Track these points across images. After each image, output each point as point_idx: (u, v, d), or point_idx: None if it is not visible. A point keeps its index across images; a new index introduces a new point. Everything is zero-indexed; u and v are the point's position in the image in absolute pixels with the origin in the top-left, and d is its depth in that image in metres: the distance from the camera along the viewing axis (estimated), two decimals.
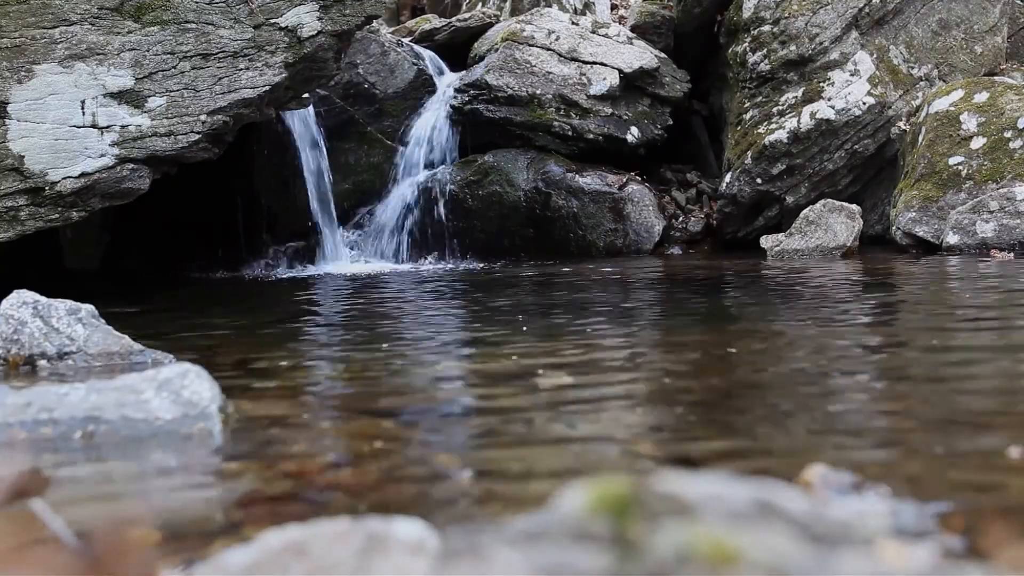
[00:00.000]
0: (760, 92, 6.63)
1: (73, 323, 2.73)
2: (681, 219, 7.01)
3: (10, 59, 4.42)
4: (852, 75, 6.46)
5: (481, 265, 6.28)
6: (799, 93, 6.50)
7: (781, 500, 0.88)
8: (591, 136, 6.85)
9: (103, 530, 1.37)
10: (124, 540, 1.31)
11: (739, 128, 6.70)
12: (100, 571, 1.18)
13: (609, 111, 6.91)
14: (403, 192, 6.82)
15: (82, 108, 4.48)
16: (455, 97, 6.93)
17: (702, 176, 7.27)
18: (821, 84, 6.48)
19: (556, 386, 2.32)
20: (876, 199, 6.61)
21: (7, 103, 4.40)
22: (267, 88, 4.75)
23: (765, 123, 6.55)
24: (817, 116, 6.38)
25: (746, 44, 6.68)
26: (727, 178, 6.69)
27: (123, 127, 4.52)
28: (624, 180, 6.83)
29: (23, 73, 4.42)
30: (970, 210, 5.58)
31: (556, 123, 6.82)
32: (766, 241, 6.10)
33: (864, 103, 6.37)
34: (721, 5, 7.03)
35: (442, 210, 6.74)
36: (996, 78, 6.44)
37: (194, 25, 4.67)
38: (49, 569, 1.19)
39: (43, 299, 2.77)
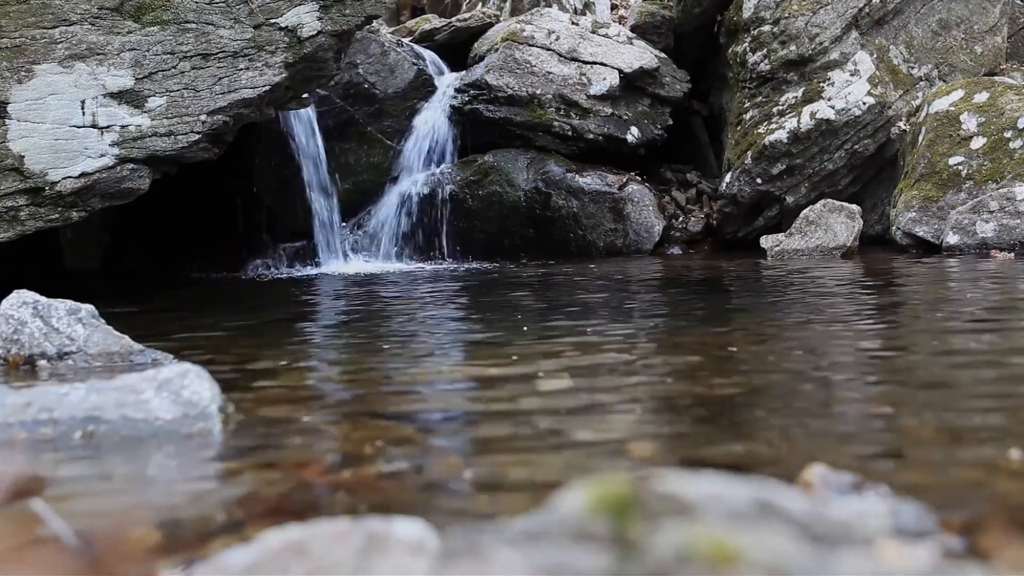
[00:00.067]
0: (760, 92, 6.63)
1: (73, 323, 2.73)
2: (681, 219, 7.02)
3: (10, 59, 4.42)
4: (852, 75, 6.46)
5: (481, 265, 6.28)
6: (799, 93, 6.50)
7: (781, 500, 0.88)
8: (591, 136, 6.85)
9: (103, 530, 1.37)
10: (124, 540, 1.31)
11: (739, 128, 6.70)
12: (100, 571, 1.18)
13: (609, 111, 6.91)
14: (403, 192, 6.82)
15: (82, 108, 4.48)
16: (455, 97, 6.94)
17: (702, 176, 7.27)
18: (821, 84, 6.48)
19: (556, 387, 2.32)
20: (876, 199, 6.61)
21: (7, 103, 4.40)
22: (267, 88, 4.75)
23: (765, 123, 6.55)
24: (817, 116, 6.38)
25: (746, 44, 6.68)
26: (727, 178, 6.69)
27: (123, 127, 4.52)
28: (624, 180, 6.83)
29: (23, 73, 4.42)
30: (970, 210, 5.58)
31: (556, 123, 6.82)
32: (766, 241, 6.10)
33: (864, 103, 6.37)
34: (721, 5, 7.03)
35: (442, 210, 6.74)
36: (996, 78, 6.44)
37: (194, 25, 4.67)
38: (49, 569, 1.19)
39: (43, 299, 2.77)
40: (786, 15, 6.53)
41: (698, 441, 1.80)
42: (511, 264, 6.27)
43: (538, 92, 6.84)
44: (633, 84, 7.00)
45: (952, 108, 5.99)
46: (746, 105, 6.69)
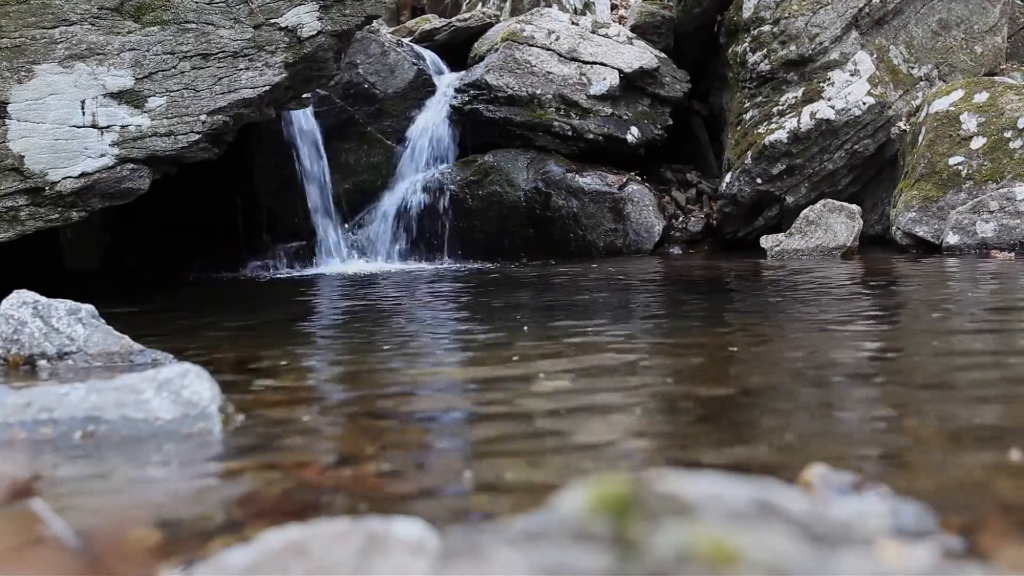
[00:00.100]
0: (760, 92, 6.63)
1: (73, 323, 2.73)
2: (681, 219, 7.02)
3: (10, 59, 4.42)
4: (852, 75, 6.46)
5: (481, 265, 6.28)
6: (799, 93, 6.50)
7: (781, 500, 0.88)
8: (591, 136, 6.85)
9: (103, 530, 1.37)
10: (124, 540, 1.31)
11: (739, 128, 6.70)
12: (100, 571, 1.18)
13: (609, 111, 6.91)
14: (403, 192, 6.82)
15: (82, 108, 4.48)
16: (455, 97, 6.94)
17: (702, 176, 7.27)
18: (821, 84, 6.48)
19: (556, 387, 2.32)
20: (876, 199, 6.61)
21: (7, 103, 4.40)
22: (267, 88, 4.75)
23: (765, 123, 6.55)
24: (817, 116, 6.38)
25: (746, 44, 6.68)
26: (727, 178, 6.69)
27: (123, 127, 4.52)
28: (624, 180, 6.83)
29: (23, 73, 4.42)
30: (970, 210, 5.58)
31: (556, 123, 6.83)
32: (766, 241, 6.10)
33: (864, 103, 6.37)
34: (721, 5, 7.03)
35: (442, 210, 6.74)
36: (996, 78, 6.44)
37: (194, 25, 4.67)
38: (49, 569, 1.19)
39: (43, 299, 2.77)
40: (786, 15, 6.53)
41: (698, 441, 1.80)
42: (511, 264, 6.27)
43: (538, 92, 6.85)
44: (633, 84, 7.00)
45: (952, 108, 5.99)
46: (746, 105, 6.69)
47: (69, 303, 2.78)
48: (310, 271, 6.32)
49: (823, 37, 6.49)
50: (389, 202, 6.82)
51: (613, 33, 7.28)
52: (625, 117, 6.95)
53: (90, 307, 2.80)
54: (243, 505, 1.50)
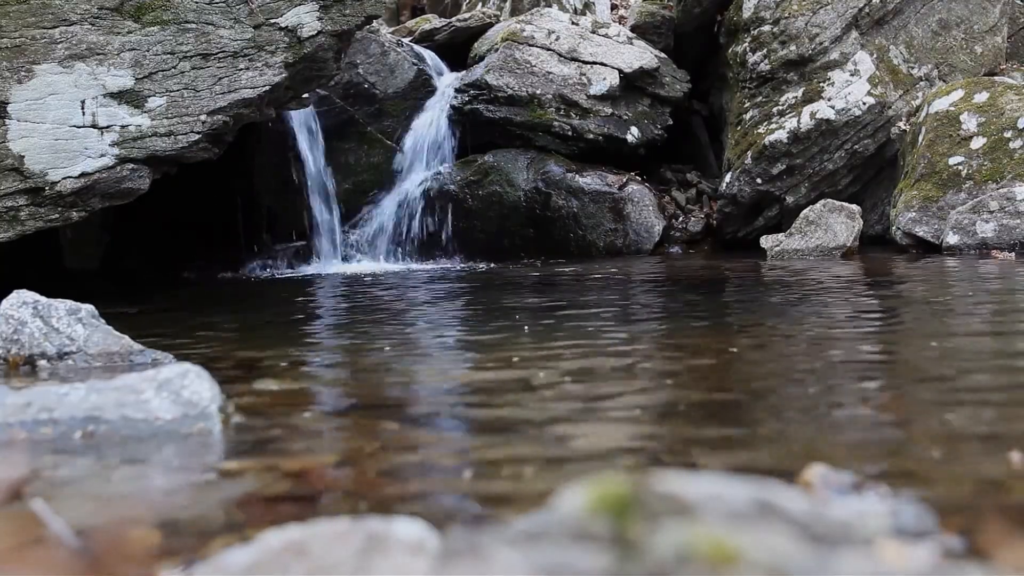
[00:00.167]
0: (760, 92, 6.63)
1: (73, 323, 2.73)
2: (681, 219, 7.02)
3: (10, 59, 4.42)
4: (852, 75, 6.46)
5: (481, 265, 6.28)
6: (799, 93, 6.50)
7: (781, 500, 0.88)
8: (591, 136, 6.85)
9: (103, 530, 1.37)
10: (124, 540, 1.31)
11: (739, 128, 6.70)
12: (100, 571, 1.18)
13: (609, 111, 6.91)
14: (403, 192, 6.82)
15: (82, 108, 4.48)
16: (455, 97, 6.94)
17: (702, 176, 7.27)
18: (821, 84, 6.48)
19: (556, 387, 2.32)
20: (876, 199, 6.61)
21: (7, 103, 4.40)
22: (267, 88, 4.75)
23: (765, 123, 6.55)
24: (817, 116, 6.38)
25: (746, 44, 6.68)
26: (727, 178, 6.69)
27: (123, 127, 4.53)
28: (624, 180, 6.83)
29: (23, 73, 4.42)
30: (970, 210, 5.58)
31: (556, 123, 6.83)
32: (766, 241, 6.10)
33: (864, 103, 6.37)
34: (721, 5, 7.03)
35: (442, 210, 6.74)
36: (996, 78, 6.44)
37: (194, 25, 4.67)
38: (49, 569, 1.19)
39: (43, 299, 2.77)
40: (786, 15, 6.53)
41: (698, 441, 1.80)
42: (511, 264, 6.27)
43: (538, 92, 6.85)
44: (633, 84, 7.00)
45: (952, 108, 5.99)
46: (746, 105, 6.69)
47: (69, 303, 2.78)
48: (310, 271, 6.32)
49: (823, 37, 6.49)
50: (389, 202, 6.82)
51: (613, 33, 7.28)
52: (625, 117, 6.96)
53: (90, 307, 2.80)
54: (243, 505, 1.50)
